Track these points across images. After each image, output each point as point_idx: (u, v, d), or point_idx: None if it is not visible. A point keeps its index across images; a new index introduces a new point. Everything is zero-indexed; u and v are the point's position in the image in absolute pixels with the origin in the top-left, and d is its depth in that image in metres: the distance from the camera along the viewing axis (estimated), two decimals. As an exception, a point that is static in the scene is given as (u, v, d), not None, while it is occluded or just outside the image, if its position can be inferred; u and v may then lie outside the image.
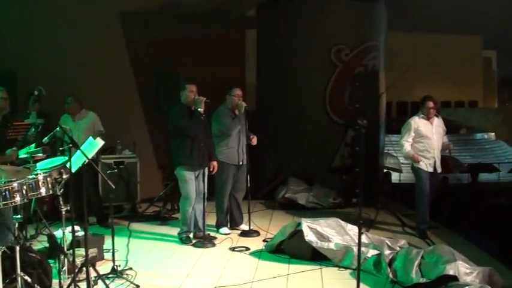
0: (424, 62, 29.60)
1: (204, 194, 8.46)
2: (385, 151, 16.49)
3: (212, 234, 8.89)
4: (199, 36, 13.53)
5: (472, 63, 45.88)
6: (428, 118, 9.12)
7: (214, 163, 8.71)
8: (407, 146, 9.12)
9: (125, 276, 6.71)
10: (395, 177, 20.72)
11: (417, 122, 9.15)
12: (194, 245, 8.29)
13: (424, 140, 9.10)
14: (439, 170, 9.26)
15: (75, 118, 9.51)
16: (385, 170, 16.42)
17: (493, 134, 36.83)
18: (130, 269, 6.98)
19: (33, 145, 7.69)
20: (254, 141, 9.07)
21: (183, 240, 8.48)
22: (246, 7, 15.05)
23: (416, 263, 6.31)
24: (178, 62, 12.15)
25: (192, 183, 8.33)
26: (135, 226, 9.59)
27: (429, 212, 9.21)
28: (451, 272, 5.91)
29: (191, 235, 8.59)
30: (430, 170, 9.11)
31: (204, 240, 8.30)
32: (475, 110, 43.68)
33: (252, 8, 15.03)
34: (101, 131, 9.59)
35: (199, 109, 8.16)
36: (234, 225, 9.28)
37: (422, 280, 6.07)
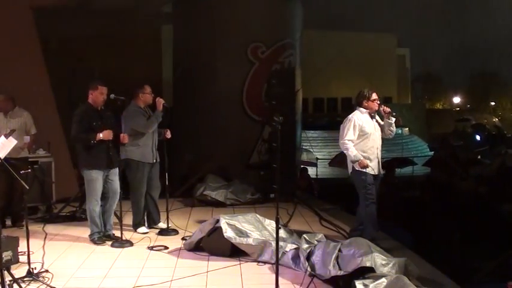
0: (339, 59, 30.05)
1: (119, 193, 8.38)
2: (302, 147, 16.68)
3: (130, 233, 8.79)
4: (114, 33, 13.34)
5: (386, 60, 46.90)
6: (372, 112, 8.15)
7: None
8: (353, 148, 7.93)
9: (41, 278, 6.54)
10: (312, 172, 20.98)
11: (361, 118, 8.07)
12: (112, 245, 8.16)
13: (368, 138, 8.04)
14: (382, 172, 8.31)
15: (6, 115, 9.37)
16: (301, 166, 16.62)
17: (407, 129, 37.73)
18: (47, 271, 6.81)
19: None
20: (168, 134, 9.03)
21: (95, 241, 8.33)
22: (161, 3, 14.96)
23: (333, 256, 6.37)
24: (93, 58, 11.97)
25: (99, 182, 8.22)
26: (51, 227, 9.36)
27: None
28: (368, 264, 6.00)
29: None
30: (376, 172, 8.10)
31: (122, 240, 8.20)
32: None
33: (167, 4, 14.94)
34: (33, 134, 9.63)
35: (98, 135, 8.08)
36: (152, 224, 9.19)
37: (340, 272, 6.15)
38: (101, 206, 8.41)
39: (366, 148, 8.05)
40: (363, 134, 8.03)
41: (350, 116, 8.15)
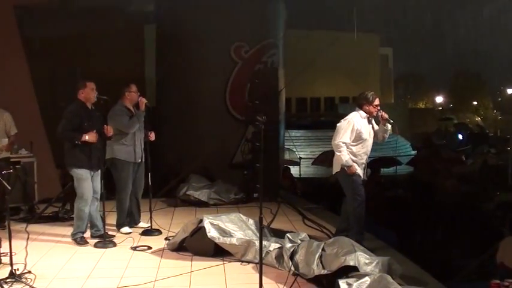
0: (322, 59, 30.05)
1: (100, 194, 8.33)
2: (285, 146, 16.68)
3: (113, 233, 8.75)
4: (97, 32, 13.27)
5: (369, 60, 47.06)
6: (371, 117, 8.05)
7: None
8: (346, 152, 7.83)
9: (24, 279, 6.50)
10: (295, 171, 21.01)
11: (360, 123, 7.93)
12: (95, 246, 8.13)
13: (362, 144, 7.95)
14: (365, 177, 8.24)
15: None
16: (284, 165, 16.63)
17: (390, 128, 37.93)
18: (30, 272, 6.75)
19: None
20: (152, 136, 9.03)
21: (78, 241, 8.30)
22: (144, 2, 14.90)
23: (317, 255, 6.40)
24: (76, 58, 11.91)
25: (88, 181, 8.19)
26: (34, 228, 9.28)
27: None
28: (351, 263, 6.02)
29: (86, 234, 8.44)
30: (362, 177, 8.04)
31: (105, 240, 8.16)
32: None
33: (150, 3, 14.89)
34: (13, 135, 9.63)
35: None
36: (132, 224, 9.17)
37: (324, 271, 6.16)
38: None
39: (358, 153, 7.95)
40: (358, 139, 7.91)
41: (349, 117, 8.01)
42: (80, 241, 8.28)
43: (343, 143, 7.82)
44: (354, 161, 7.88)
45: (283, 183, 14.57)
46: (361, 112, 8.01)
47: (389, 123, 8.10)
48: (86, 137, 8.01)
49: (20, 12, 11.82)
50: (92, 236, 8.50)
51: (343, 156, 7.81)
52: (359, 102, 8.10)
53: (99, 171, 8.35)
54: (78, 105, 8.22)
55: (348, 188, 7.99)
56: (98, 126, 8.21)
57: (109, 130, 8.33)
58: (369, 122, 8.06)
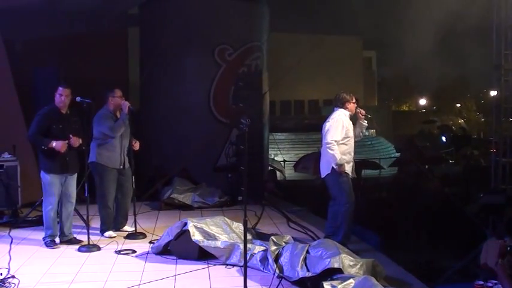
0: (306, 61, 30.08)
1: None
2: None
3: (97, 237, 8.71)
4: (80, 34, 13.21)
5: (352, 62, 47.11)
6: (352, 115, 8.17)
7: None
8: (338, 150, 7.83)
9: (7, 284, 6.47)
10: (279, 174, 20.92)
11: (346, 120, 8.04)
12: (79, 250, 8.09)
13: (349, 141, 8.02)
14: (354, 175, 8.30)
15: None
16: (270, 168, 16.62)
17: (374, 130, 37.99)
18: (13, 277, 6.71)
19: None
20: (136, 146, 8.94)
21: (48, 244, 8.24)
22: (128, 5, 14.87)
23: (301, 257, 6.41)
24: (59, 60, 11.83)
25: (55, 186, 8.12)
26: (17, 232, 9.23)
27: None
28: (336, 265, 6.04)
29: (56, 239, 8.37)
30: (352, 175, 8.15)
31: (89, 244, 8.12)
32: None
33: (134, 6, 14.86)
34: None
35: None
36: (118, 228, 9.11)
37: (308, 274, 6.17)
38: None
39: (346, 151, 7.99)
40: (346, 137, 7.97)
41: (336, 115, 8.07)
42: (50, 244, 8.22)
43: (335, 141, 7.83)
44: (343, 159, 7.90)
45: (267, 186, 14.57)
46: (345, 111, 8.08)
47: (367, 119, 8.23)
48: (53, 144, 7.93)
49: (1, 15, 11.74)
50: (61, 241, 8.42)
51: (337, 154, 7.79)
52: (340, 102, 8.15)
53: (74, 176, 8.31)
54: (50, 108, 8.17)
55: (337, 190, 7.99)
56: (72, 131, 8.14)
57: (75, 141, 8.22)
58: (350, 119, 8.13)
